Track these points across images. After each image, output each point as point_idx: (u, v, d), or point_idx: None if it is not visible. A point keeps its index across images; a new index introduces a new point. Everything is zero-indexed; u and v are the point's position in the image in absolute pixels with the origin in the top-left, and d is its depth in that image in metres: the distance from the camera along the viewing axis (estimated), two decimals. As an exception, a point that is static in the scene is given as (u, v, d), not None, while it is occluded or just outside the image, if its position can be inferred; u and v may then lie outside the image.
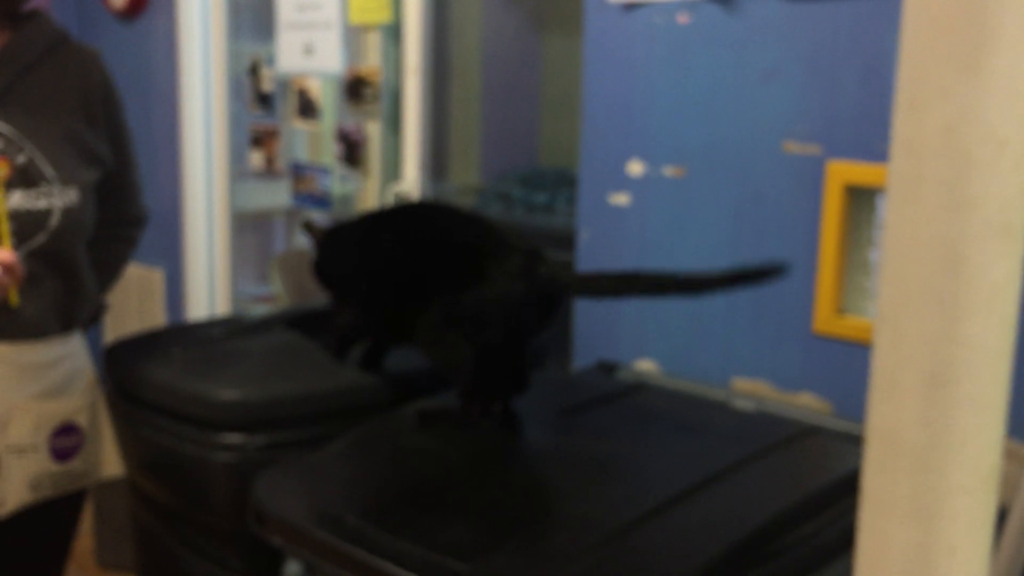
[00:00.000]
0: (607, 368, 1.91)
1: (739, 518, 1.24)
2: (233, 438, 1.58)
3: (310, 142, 3.02)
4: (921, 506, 0.77)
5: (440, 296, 1.51)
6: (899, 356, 0.78)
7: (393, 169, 2.67)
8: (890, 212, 0.77)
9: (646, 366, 1.94)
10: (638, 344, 1.95)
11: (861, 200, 1.68)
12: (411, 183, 2.58)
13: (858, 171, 1.64)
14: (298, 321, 1.96)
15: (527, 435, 1.54)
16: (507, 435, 1.53)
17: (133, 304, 3.35)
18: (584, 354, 2.03)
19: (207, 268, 3.25)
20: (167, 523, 1.75)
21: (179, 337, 1.91)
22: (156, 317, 3.35)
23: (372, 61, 2.66)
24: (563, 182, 2.63)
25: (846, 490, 1.32)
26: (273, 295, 3.30)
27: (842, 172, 1.66)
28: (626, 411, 1.64)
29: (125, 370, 1.73)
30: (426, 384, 1.67)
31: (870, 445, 0.80)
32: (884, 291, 0.78)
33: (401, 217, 1.70)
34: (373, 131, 2.70)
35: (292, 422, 1.61)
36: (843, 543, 1.20)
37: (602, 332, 2.00)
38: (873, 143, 1.62)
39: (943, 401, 0.76)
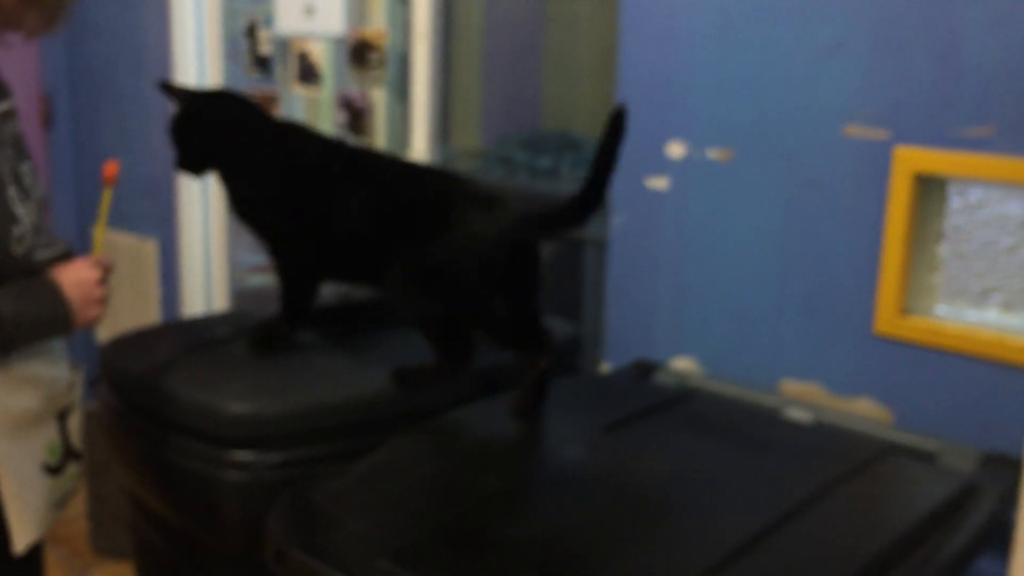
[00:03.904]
0: (645, 368, 1.77)
1: (826, 562, 1.11)
2: (243, 455, 1.44)
3: (310, 109, 2.86)
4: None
5: (403, 249, 1.46)
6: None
7: (400, 138, 2.52)
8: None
9: (685, 364, 1.80)
10: (676, 341, 1.82)
11: (931, 190, 1.54)
12: (420, 153, 2.44)
13: (930, 158, 1.50)
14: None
15: (571, 455, 1.40)
16: (547, 457, 1.39)
17: (125, 276, 3.20)
18: (618, 351, 1.89)
19: (203, 237, 3.10)
20: (169, 539, 1.61)
21: (181, 335, 1.76)
22: (150, 288, 3.21)
23: (377, 23, 2.49)
24: (567, 146, 2.52)
25: (934, 525, 1.19)
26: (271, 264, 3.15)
27: (912, 159, 1.51)
28: (675, 426, 1.50)
29: (123, 375, 1.59)
30: (451, 395, 1.53)
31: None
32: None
33: (336, 154, 1.62)
34: (378, 98, 2.54)
35: (308, 437, 1.47)
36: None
37: (637, 328, 1.86)
38: (947, 128, 1.47)
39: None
